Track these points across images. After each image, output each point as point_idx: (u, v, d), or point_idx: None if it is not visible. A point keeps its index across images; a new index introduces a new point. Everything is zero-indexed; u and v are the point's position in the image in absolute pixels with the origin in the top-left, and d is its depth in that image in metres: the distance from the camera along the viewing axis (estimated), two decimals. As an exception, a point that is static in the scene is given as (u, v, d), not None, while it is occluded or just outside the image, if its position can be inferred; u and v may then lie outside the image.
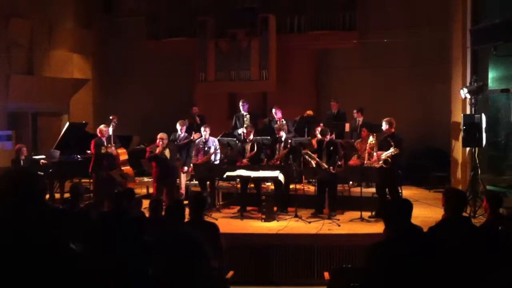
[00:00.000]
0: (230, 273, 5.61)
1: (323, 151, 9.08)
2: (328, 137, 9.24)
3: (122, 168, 10.07)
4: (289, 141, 9.50)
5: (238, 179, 9.37)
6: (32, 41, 13.51)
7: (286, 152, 9.38)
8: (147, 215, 6.39)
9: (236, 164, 9.68)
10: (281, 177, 8.80)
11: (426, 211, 8.78)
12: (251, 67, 13.21)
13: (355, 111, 11.58)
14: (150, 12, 14.28)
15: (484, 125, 8.94)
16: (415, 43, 13.00)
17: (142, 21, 14.40)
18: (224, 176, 9.25)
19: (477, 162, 8.98)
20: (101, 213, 5.65)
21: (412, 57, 13.26)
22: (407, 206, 4.06)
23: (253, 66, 13.20)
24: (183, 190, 9.83)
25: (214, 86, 13.51)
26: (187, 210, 5.05)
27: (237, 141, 10.58)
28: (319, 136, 10.14)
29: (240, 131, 10.79)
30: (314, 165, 8.98)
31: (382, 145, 8.71)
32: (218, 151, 10.11)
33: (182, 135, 10.02)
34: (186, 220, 5.01)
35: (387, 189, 8.63)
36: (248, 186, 9.59)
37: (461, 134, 9.47)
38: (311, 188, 10.10)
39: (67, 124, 11.58)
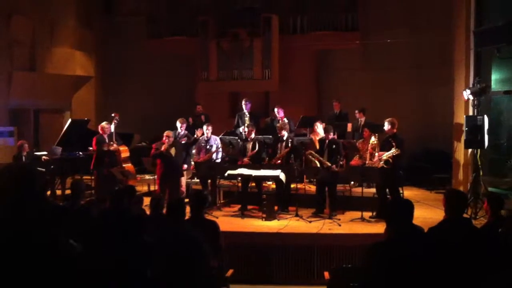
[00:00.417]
0: (230, 272, 5.61)
1: (325, 150, 9.08)
2: (330, 136, 9.23)
3: (124, 165, 10.08)
4: (290, 140, 9.49)
5: (239, 178, 9.38)
6: (34, 38, 13.53)
7: (288, 151, 9.38)
8: (148, 212, 6.39)
9: (237, 163, 9.69)
10: (282, 176, 8.80)
11: (426, 212, 8.77)
12: (253, 67, 13.24)
13: (357, 111, 11.59)
14: (150, 12, 14.30)
15: (486, 126, 8.93)
16: (416, 45, 13.01)
17: (142, 21, 14.43)
18: (226, 174, 9.26)
19: (479, 163, 8.97)
20: (101, 211, 5.65)
21: (414, 59, 13.27)
22: (409, 206, 4.05)
23: (256, 66, 13.22)
24: (183, 188, 9.82)
25: (216, 85, 13.53)
26: (188, 208, 5.05)
27: (238, 140, 10.59)
28: (318, 131, 10.18)
29: (241, 129, 10.81)
30: (318, 165, 8.98)
31: (384, 146, 8.70)
32: (220, 149, 10.12)
33: (182, 132, 10.02)
34: (186, 218, 5.01)
35: (387, 190, 8.62)
36: (249, 185, 9.60)
37: (463, 136, 9.46)
38: (312, 188, 10.10)
39: (69, 121, 11.61)
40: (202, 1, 14.01)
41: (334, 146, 9.07)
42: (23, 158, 10.02)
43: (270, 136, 10.33)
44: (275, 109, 11.26)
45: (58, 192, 10.43)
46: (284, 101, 12.08)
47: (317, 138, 10.19)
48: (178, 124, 10.02)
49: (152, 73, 14.91)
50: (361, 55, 13.70)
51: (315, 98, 13.92)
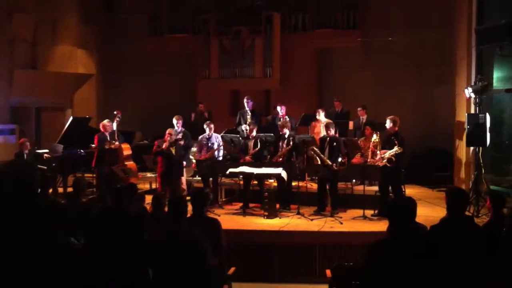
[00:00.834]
0: (232, 270, 5.61)
1: (326, 148, 9.08)
2: (331, 133, 9.23)
3: (126, 163, 10.08)
4: (291, 138, 9.48)
5: (241, 176, 9.38)
6: (36, 36, 13.52)
7: (289, 149, 9.38)
8: (149, 210, 6.39)
9: (239, 161, 9.68)
10: (283, 174, 8.79)
11: (428, 210, 8.75)
12: (255, 65, 13.22)
13: (359, 108, 11.57)
14: (152, 9, 14.28)
15: (488, 125, 8.92)
16: (417, 42, 13.00)
17: (144, 18, 14.41)
18: (227, 172, 9.23)
19: (481, 162, 8.96)
20: (101, 209, 5.64)
21: (414, 56, 13.26)
22: (411, 204, 4.04)
23: (257, 64, 13.22)
24: (184, 186, 9.82)
25: (217, 83, 13.52)
26: (190, 206, 5.04)
27: (240, 138, 10.59)
28: (319, 118, 10.19)
29: (243, 127, 10.81)
30: (319, 162, 8.98)
31: (385, 144, 8.69)
32: (221, 147, 10.12)
33: (179, 130, 10.01)
34: (188, 216, 5.00)
35: (390, 188, 8.62)
36: (251, 183, 9.60)
37: (465, 134, 9.45)
38: (314, 186, 10.08)
39: (71, 118, 11.59)
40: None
41: (334, 143, 9.07)
42: (25, 156, 10.02)
43: (272, 134, 10.33)
44: (278, 107, 11.26)
45: (60, 190, 10.43)
46: (285, 99, 12.09)
47: (319, 136, 10.26)
48: (174, 121, 10.01)
49: (154, 71, 14.91)
50: (362, 53, 13.69)
51: (316, 96, 13.92)
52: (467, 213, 5.14)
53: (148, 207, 6.66)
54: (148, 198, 6.93)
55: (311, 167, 9.43)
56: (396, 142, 8.42)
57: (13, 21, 12.88)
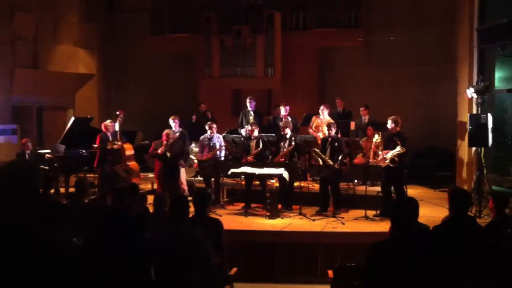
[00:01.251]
0: (234, 270, 5.61)
1: (327, 148, 9.07)
2: (332, 132, 9.22)
3: (128, 163, 10.07)
4: (293, 138, 9.47)
5: (243, 176, 9.37)
6: (37, 35, 13.52)
7: (291, 149, 9.37)
8: (151, 210, 6.39)
9: (241, 161, 9.67)
10: (285, 175, 8.79)
11: (430, 211, 8.74)
12: (256, 64, 13.20)
13: (362, 108, 11.54)
14: (153, 9, 14.28)
15: (490, 124, 8.91)
16: (419, 42, 12.98)
17: (145, 17, 14.40)
18: (229, 172, 9.22)
19: (483, 162, 8.94)
20: (102, 209, 5.64)
21: (416, 56, 13.25)
22: (413, 204, 4.04)
23: (258, 63, 13.19)
24: (185, 186, 9.79)
25: (219, 82, 13.50)
26: (192, 207, 5.04)
27: (242, 138, 10.57)
28: (322, 117, 10.18)
29: (243, 131, 10.79)
30: (321, 163, 8.97)
31: (387, 144, 8.68)
32: (223, 147, 10.11)
33: (177, 130, 9.98)
34: (190, 216, 5.00)
35: (392, 188, 8.61)
36: (253, 183, 9.59)
37: (467, 134, 9.44)
38: (316, 186, 10.08)
39: (72, 118, 11.60)
40: (206, -2, 14.01)
41: (336, 144, 9.06)
42: (27, 156, 10.03)
43: (273, 135, 10.32)
44: (281, 107, 11.20)
45: (62, 190, 10.44)
46: (287, 98, 12.06)
47: (318, 131, 10.28)
48: (170, 121, 9.93)
49: (155, 70, 14.91)
50: (364, 52, 13.68)
51: (317, 95, 13.89)
52: (469, 213, 5.13)
53: (150, 207, 6.66)
54: (150, 198, 6.93)
55: (312, 167, 9.43)
56: (399, 142, 8.41)
57: (15, 20, 12.88)
